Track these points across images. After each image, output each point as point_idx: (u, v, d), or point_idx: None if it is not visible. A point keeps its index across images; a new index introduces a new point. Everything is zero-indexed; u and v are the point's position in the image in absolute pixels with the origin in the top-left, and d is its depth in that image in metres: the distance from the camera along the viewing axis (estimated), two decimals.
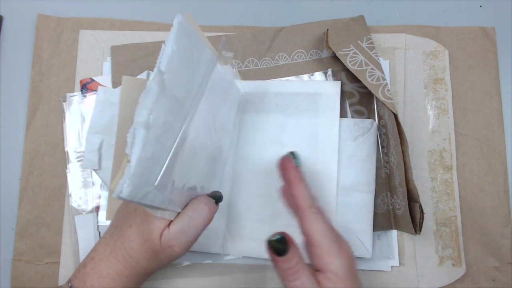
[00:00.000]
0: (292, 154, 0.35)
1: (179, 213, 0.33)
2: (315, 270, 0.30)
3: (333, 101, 0.44)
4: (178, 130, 0.30)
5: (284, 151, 0.35)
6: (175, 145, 0.29)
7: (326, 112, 0.43)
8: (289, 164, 0.34)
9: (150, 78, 0.27)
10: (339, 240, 0.30)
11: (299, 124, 0.44)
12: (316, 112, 0.44)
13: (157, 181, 0.27)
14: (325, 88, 0.44)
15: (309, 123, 0.43)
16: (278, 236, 0.30)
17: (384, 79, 0.42)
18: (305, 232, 0.31)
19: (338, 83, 0.44)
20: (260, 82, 0.45)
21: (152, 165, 0.27)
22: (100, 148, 0.44)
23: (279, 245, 0.29)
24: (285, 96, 0.44)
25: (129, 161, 0.25)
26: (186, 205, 0.34)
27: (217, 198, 0.36)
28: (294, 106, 0.44)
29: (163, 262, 0.34)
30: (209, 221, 0.34)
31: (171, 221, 0.33)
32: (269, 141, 0.44)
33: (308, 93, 0.44)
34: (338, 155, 0.42)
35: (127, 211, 0.34)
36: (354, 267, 0.30)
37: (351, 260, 0.30)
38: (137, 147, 0.25)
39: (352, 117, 0.44)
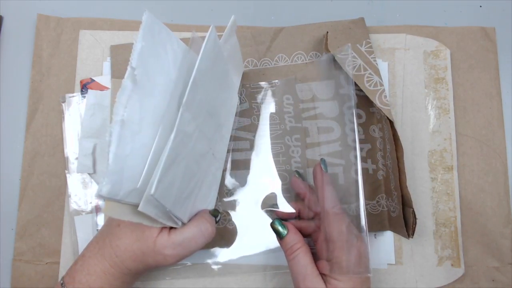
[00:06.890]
0: (322, 160, 0.38)
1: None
2: (327, 260, 0.34)
3: None
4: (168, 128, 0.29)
5: None
6: (169, 144, 0.27)
7: None
8: (318, 170, 0.38)
9: (125, 76, 0.27)
10: (352, 240, 0.34)
11: None
12: None
13: (140, 180, 0.27)
14: None
15: None
16: (276, 221, 0.36)
17: (381, 84, 0.42)
18: (325, 229, 0.35)
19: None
20: None
21: (134, 163, 0.27)
22: (93, 152, 0.44)
23: (279, 229, 0.36)
24: None
25: (108, 160, 0.26)
26: (190, 220, 0.34)
27: (217, 218, 0.37)
28: None
29: (149, 266, 0.33)
30: (209, 241, 0.34)
31: (166, 227, 0.32)
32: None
33: None
34: None
35: None
36: (363, 264, 0.33)
37: (358, 257, 0.33)
38: (113, 144, 0.26)
39: (350, 121, 0.44)
